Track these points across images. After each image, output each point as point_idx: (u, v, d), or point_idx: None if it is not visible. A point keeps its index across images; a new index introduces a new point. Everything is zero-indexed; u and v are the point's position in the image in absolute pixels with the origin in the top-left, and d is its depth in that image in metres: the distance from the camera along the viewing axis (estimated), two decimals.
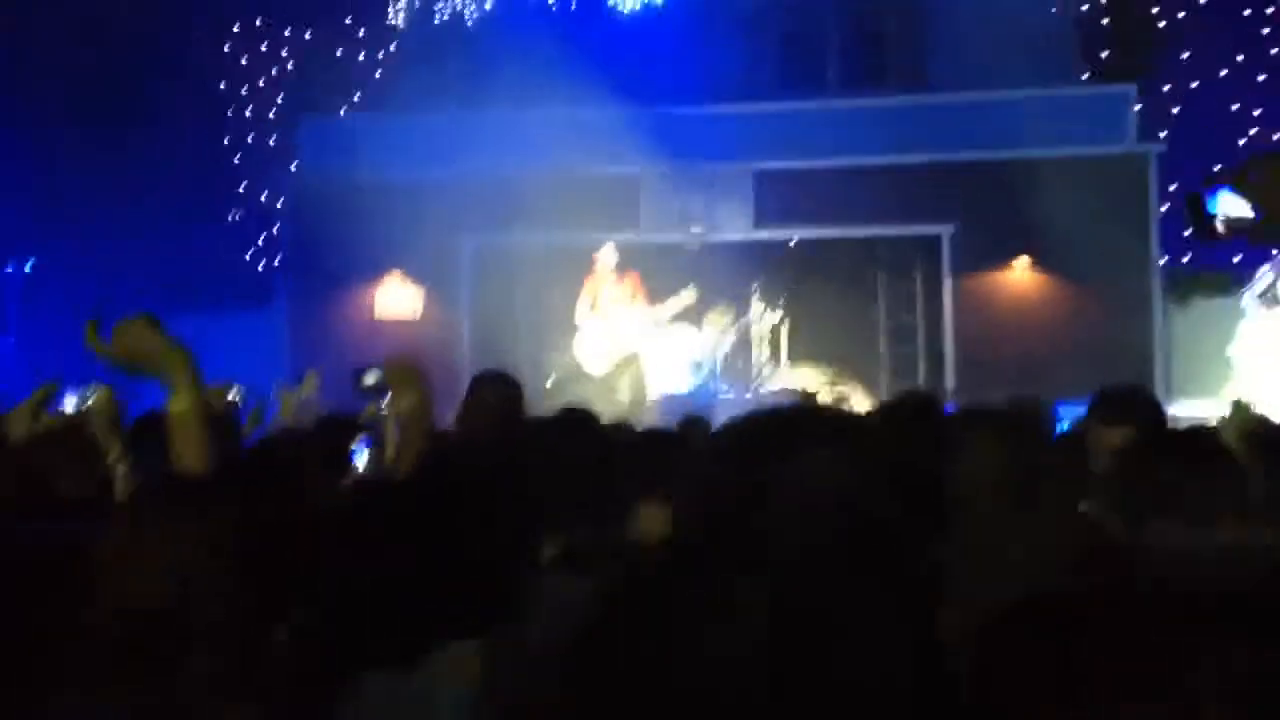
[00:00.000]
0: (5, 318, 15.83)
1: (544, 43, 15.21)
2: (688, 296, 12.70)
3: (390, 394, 3.15)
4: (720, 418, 12.01)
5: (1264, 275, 10.70)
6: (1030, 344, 13.71)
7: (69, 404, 7.12)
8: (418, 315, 14.78)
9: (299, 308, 15.04)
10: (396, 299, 14.83)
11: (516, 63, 15.13)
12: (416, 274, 14.70)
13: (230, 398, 6.17)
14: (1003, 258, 13.96)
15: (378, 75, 16.48)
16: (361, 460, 3.89)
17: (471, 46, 15.80)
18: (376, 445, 3.96)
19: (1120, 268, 13.69)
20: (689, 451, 5.43)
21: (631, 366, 12.51)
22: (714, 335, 13.04)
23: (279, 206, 16.05)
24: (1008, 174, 13.69)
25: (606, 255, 12.68)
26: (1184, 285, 14.08)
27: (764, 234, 14.40)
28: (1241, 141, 16.49)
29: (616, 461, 2.95)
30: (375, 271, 14.73)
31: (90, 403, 5.41)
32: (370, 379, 4.30)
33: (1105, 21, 16.68)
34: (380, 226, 14.23)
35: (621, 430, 5.52)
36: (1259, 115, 16.52)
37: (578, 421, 3.04)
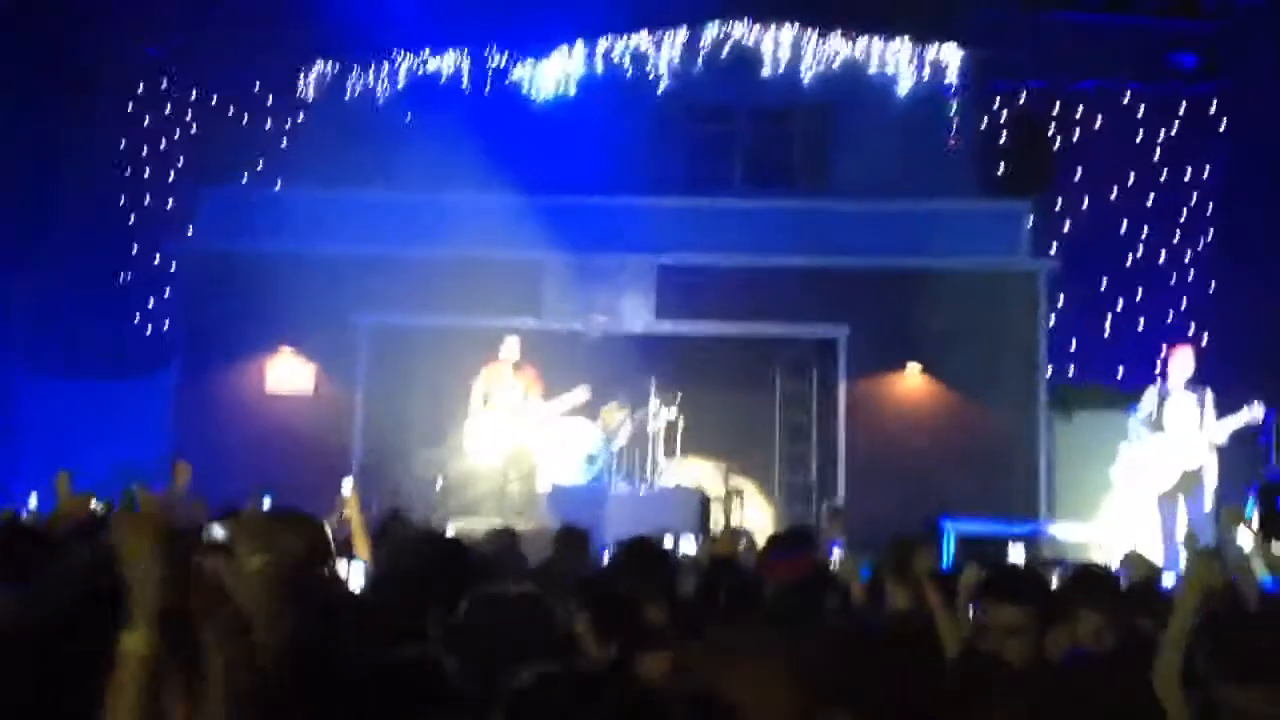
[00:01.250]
0: None
1: (455, 125, 15.23)
2: (581, 394, 12.69)
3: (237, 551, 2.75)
4: (613, 511, 12.02)
5: (1148, 399, 10.96)
6: (919, 451, 13.90)
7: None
8: (310, 392, 14.51)
9: (188, 378, 14.68)
10: (289, 375, 14.55)
11: (426, 143, 15.13)
12: (311, 350, 14.47)
13: (92, 507, 5.93)
14: (895, 364, 14.18)
15: (282, 147, 16.32)
16: None
17: (381, 125, 15.74)
18: None
19: (1008, 380, 13.99)
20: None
21: (522, 461, 12.41)
22: (609, 428, 13.01)
23: (172, 272, 15.73)
24: (904, 282, 13.99)
25: (509, 348, 12.61)
26: (1069, 399, 14.41)
27: (665, 326, 14.46)
28: (1129, 260, 17.09)
29: None
30: (268, 345, 14.47)
31: None
32: (219, 530, 3.86)
33: (1003, 140, 17.23)
34: (276, 300, 14.02)
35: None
36: (1146, 236, 17.15)
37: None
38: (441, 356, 14.78)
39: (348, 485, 6.68)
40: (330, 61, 16.31)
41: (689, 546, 7.73)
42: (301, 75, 16.34)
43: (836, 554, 6.15)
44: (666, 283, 14.46)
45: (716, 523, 13.19)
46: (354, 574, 4.78)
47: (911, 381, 14.22)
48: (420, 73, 16.22)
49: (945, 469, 13.65)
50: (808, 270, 14.36)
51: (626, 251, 14.43)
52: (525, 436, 12.44)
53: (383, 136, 15.50)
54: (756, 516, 14.29)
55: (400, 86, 16.17)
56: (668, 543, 7.74)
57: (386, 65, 16.15)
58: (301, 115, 16.39)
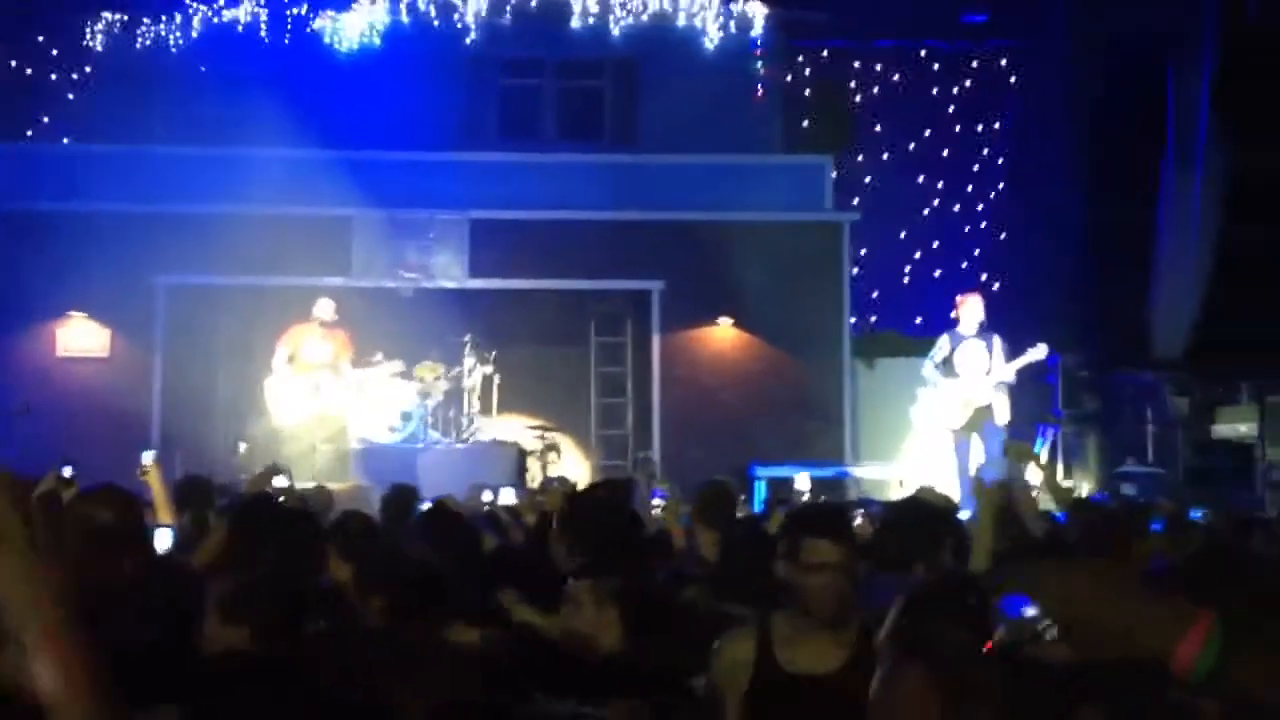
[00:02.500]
0: None
1: (255, 77, 14.75)
2: (393, 366, 12.57)
3: None
4: (428, 468, 11.97)
5: (941, 346, 11.46)
6: (731, 401, 14.24)
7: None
8: (106, 356, 13.93)
9: None
10: (82, 337, 13.94)
11: (224, 96, 14.62)
12: (106, 313, 13.87)
13: None
14: (707, 316, 14.44)
15: (70, 101, 15.53)
16: None
17: (175, 76, 15.09)
18: None
19: (814, 330, 14.41)
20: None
21: (331, 421, 12.22)
22: (424, 386, 12.91)
23: None
24: (713, 235, 14.23)
25: (322, 308, 12.34)
26: (871, 347, 14.94)
27: (478, 283, 14.37)
28: (926, 211, 17.76)
29: None
30: (60, 308, 13.82)
31: None
32: None
33: (807, 95, 17.64)
34: (67, 262, 13.43)
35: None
36: (942, 188, 17.84)
37: None
38: (247, 317, 14.38)
39: (148, 456, 6.53)
40: (117, 11, 15.54)
41: (508, 498, 7.78)
42: (88, 26, 15.53)
43: (657, 503, 6.31)
44: (478, 238, 14.36)
45: (534, 477, 13.28)
46: (159, 539, 4.79)
47: (723, 333, 14.51)
48: (216, 21, 15.61)
49: (756, 417, 14.01)
50: (619, 224, 14.47)
51: (437, 207, 14.25)
52: (334, 396, 12.24)
53: (177, 89, 14.89)
54: (574, 470, 14.41)
55: (195, 36, 15.54)
56: (486, 496, 7.79)
57: (179, 15, 15.48)
58: (89, 68, 15.60)
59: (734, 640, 3.49)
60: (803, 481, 7.06)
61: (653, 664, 3.39)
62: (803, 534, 3.46)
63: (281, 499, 5.75)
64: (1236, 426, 12.87)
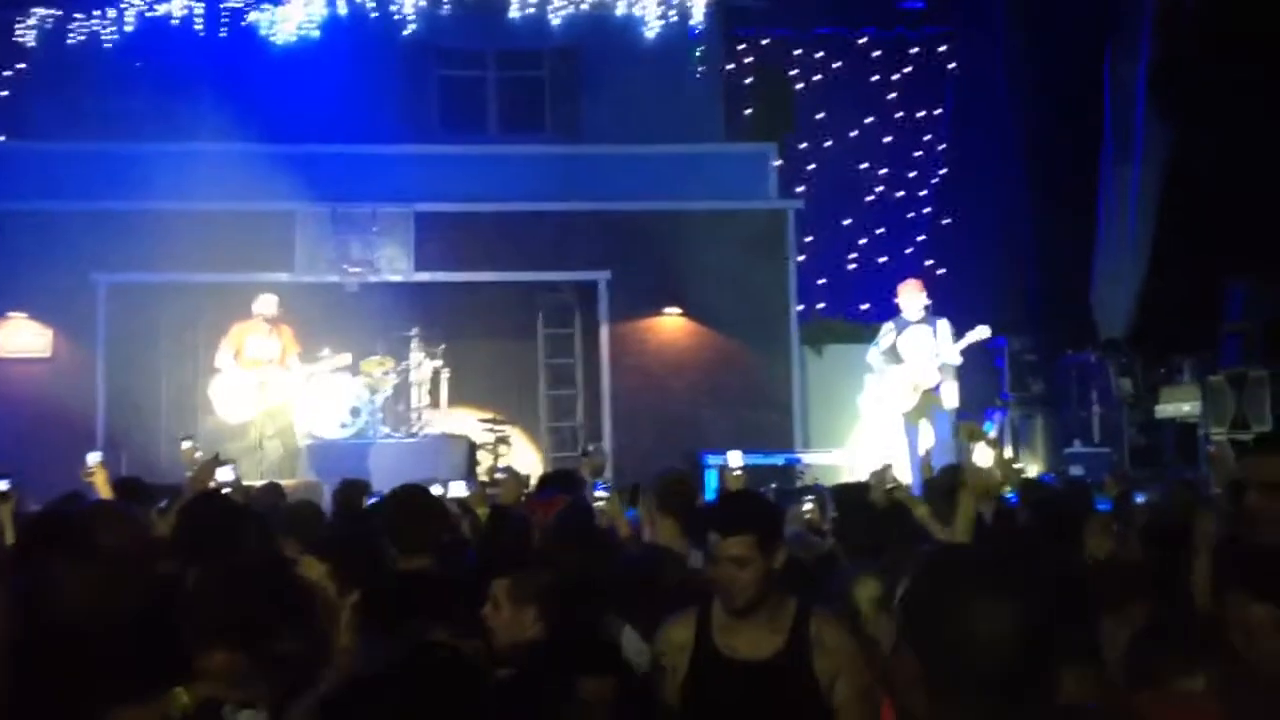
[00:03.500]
0: None
1: (191, 71, 14.58)
2: (340, 360, 12.46)
3: None
4: (378, 463, 11.88)
5: (887, 333, 11.53)
6: (681, 390, 14.25)
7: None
8: (47, 356, 13.68)
9: None
10: (23, 337, 13.68)
11: (161, 91, 14.41)
12: (46, 312, 13.62)
13: None
14: (655, 306, 14.44)
15: (3, 96, 15.22)
16: None
17: (110, 72, 14.85)
18: None
19: (762, 318, 14.45)
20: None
21: (278, 417, 12.09)
22: (372, 381, 12.81)
23: None
24: (658, 225, 14.24)
25: (264, 304, 12.20)
26: (819, 334, 15.01)
27: (424, 276, 14.27)
28: (869, 198, 17.89)
29: None
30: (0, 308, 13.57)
31: None
32: None
33: (748, 84, 17.69)
34: (5, 260, 13.23)
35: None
36: (885, 174, 17.98)
37: None
38: (190, 315, 14.22)
39: (93, 457, 6.45)
40: (50, 7, 15.24)
41: (459, 491, 7.75)
42: (20, 22, 15.22)
43: (600, 494, 6.30)
44: (423, 231, 14.25)
45: (485, 470, 13.23)
46: None
47: (671, 323, 14.52)
48: (150, 15, 15.35)
49: (706, 406, 14.05)
50: (565, 215, 14.43)
51: (380, 201, 14.12)
52: (281, 393, 12.11)
53: (114, 85, 14.65)
54: (524, 461, 14.38)
55: (129, 30, 15.27)
56: (436, 490, 7.74)
57: (112, 10, 15.21)
58: (22, 65, 15.30)
59: (675, 624, 3.56)
60: (735, 459, 7.08)
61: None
62: (709, 528, 3.51)
63: (227, 491, 5.66)
64: (1180, 406, 13.07)
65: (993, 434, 11.74)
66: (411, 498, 4.72)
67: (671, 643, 3.52)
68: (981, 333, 11.37)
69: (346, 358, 12.54)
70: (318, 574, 3.70)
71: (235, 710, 2.64)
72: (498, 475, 9.71)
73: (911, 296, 11.47)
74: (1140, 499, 7.60)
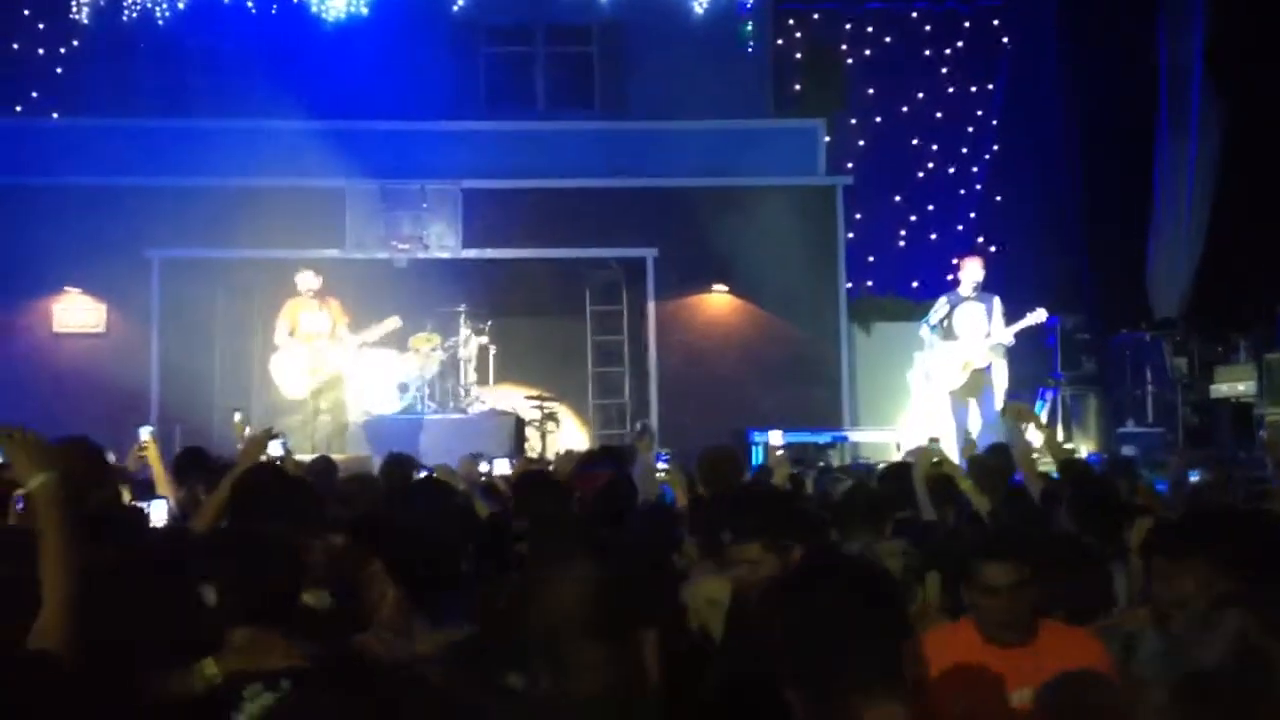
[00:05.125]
0: None
1: (243, 48, 14.68)
2: (390, 324, 12.51)
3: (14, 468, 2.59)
4: (429, 438, 11.96)
5: (940, 308, 11.45)
6: (728, 367, 14.22)
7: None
8: (102, 331, 13.88)
9: None
10: (77, 313, 13.89)
11: (213, 67, 14.54)
12: (101, 288, 13.81)
13: None
14: (702, 282, 14.41)
15: (58, 74, 15.39)
16: None
17: (163, 49, 14.98)
18: None
19: (810, 295, 14.36)
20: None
21: (331, 392, 12.21)
22: (420, 357, 12.89)
23: None
24: (706, 201, 14.15)
25: (305, 281, 12.30)
26: (867, 311, 14.91)
27: (472, 253, 14.31)
28: (921, 174, 17.70)
29: None
30: (55, 283, 13.75)
31: None
32: None
33: (797, 56, 17.55)
34: (60, 236, 13.36)
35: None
36: (936, 150, 17.77)
37: None
38: (242, 290, 14.36)
39: (145, 431, 6.58)
40: None
41: (503, 468, 7.81)
42: (74, 0, 15.38)
43: (661, 466, 6.50)
44: (471, 208, 14.29)
45: (533, 447, 13.30)
46: (156, 512, 4.92)
47: (718, 300, 14.48)
48: None
49: (753, 383, 14.00)
50: (613, 192, 14.40)
51: (429, 177, 14.17)
52: (334, 367, 12.22)
53: (166, 62, 14.80)
54: (572, 439, 14.43)
55: (182, 7, 15.39)
56: (483, 467, 7.81)
57: None
58: (77, 42, 15.46)
59: (706, 581, 3.71)
60: (775, 438, 7.13)
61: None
62: (723, 525, 3.61)
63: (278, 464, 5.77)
64: (1235, 385, 12.87)
65: (1043, 414, 11.64)
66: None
67: (704, 598, 3.67)
68: (1038, 316, 11.28)
69: (396, 320, 12.56)
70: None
71: (258, 692, 2.67)
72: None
73: (971, 271, 11.47)
74: (1194, 477, 7.50)
